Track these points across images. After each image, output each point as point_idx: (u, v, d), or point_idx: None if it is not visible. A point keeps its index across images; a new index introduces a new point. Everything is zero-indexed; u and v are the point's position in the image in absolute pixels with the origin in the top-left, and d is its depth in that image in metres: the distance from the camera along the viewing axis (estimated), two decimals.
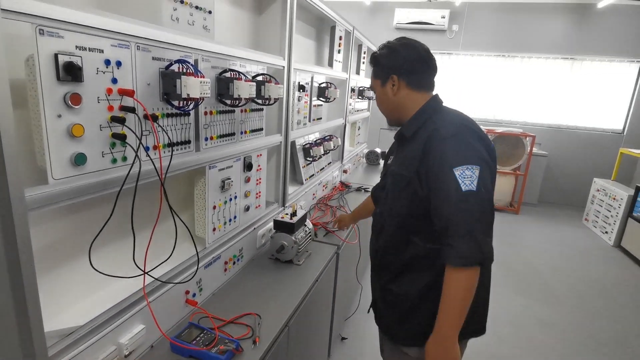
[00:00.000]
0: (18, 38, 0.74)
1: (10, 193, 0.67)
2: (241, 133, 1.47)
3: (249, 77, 1.42)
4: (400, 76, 1.22)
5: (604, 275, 3.76)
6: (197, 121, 1.21)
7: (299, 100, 2.02)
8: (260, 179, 1.67)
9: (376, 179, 1.70)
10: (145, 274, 1.01)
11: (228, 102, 1.30)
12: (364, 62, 3.59)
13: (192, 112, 1.15)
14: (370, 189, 2.01)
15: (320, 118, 2.53)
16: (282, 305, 1.36)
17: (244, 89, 1.26)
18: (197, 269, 1.22)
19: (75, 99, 0.78)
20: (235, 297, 1.39)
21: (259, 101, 1.44)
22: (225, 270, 1.47)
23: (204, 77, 1.04)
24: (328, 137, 2.67)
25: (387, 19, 6.22)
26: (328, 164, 2.85)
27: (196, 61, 1.15)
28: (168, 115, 1.06)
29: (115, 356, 0.96)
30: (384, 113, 1.34)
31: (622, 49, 5.57)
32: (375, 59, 1.28)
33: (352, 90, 3.19)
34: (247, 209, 1.59)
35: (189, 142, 1.16)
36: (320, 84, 2.35)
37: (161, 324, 1.08)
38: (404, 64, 1.21)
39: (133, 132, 0.92)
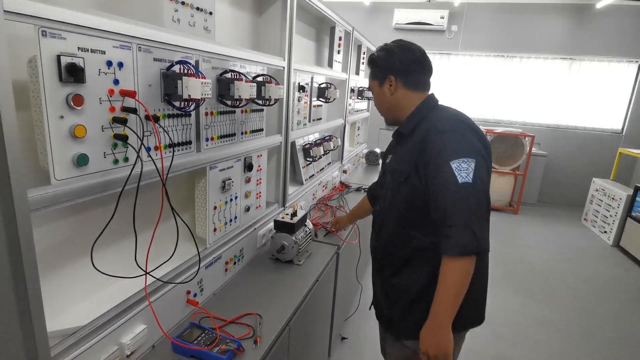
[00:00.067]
0: (20, 39, 0.75)
1: (13, 194, 0.67)
2: (242, 133, 1.48)
3: (249, 77, 1.42)
4: (397, 77, 1.28)
5: (603, 274, 3.77)
6: (197, 122, 1.21)
7: (299, 101, 2.03)
8: (260, 179, 1.67)
9: (376, 179, 1.71)
10: (147, 274, 1.01)
11: (229, 102, 1.30)
12: (363, 63, 3.59)
13: (193, 113, 1.15)
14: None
15: (320, 118, 2.54)
16: (282, 305, 1.36)
17: (245, 90, 1.26)
18: (199, 269, 1.22)
19: (78, 100, 0.78)
20: (235, 297, 1.39)
21: (260, 102, 1.45)
22: (226, 270, 1.47)
23: (205, 78, 1.05)
24: (328, 137, 2.67)
25: (387, 20, 6.23)
26: (328, 164, 2.86)
27: (197, 62, 1.15)
28: (169, 116, 1.07)
29: (117, 356, 0.96)
30: (382, 113, 1.39)
31: (620, 49, 5.59)
32: (373, 61, 1.33)
33: (352, 90, 3.20)
34: (247, 209, 1.59)
35: (190, 142, 1.17)
36: (320, 85, 2.35)
37: (162, 324, 1.08)
38: (400, 65, 1.27)
39: (135, 133, 0.93)
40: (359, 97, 3.45)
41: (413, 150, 1.20)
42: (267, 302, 1.37)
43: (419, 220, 1.22)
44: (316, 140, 2.52)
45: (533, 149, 5.48)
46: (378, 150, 4.07)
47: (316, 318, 1.75)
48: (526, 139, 5.33)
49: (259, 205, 1.71)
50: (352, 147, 3.81)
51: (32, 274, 0.72)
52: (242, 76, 1.33)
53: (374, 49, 3.61)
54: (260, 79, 1.46)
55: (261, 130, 1.63)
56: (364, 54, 3.56)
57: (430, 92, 1.33)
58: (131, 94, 0.90)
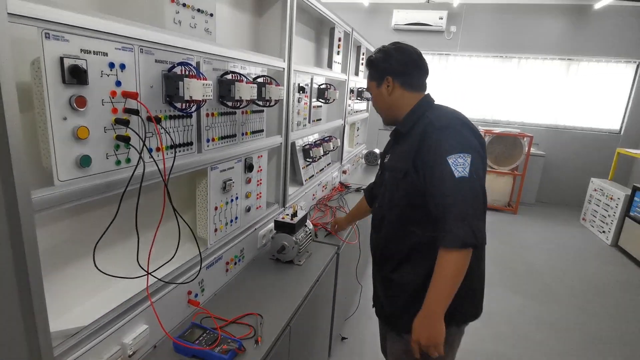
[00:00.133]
0: (23, 41, 0.75)
1: (17, 195, 0.68)
2: (242, 134, 1.48)
3: (249, 79, 1.43)
4: (394, 78, 1.32)
5: (602, 274, 3.79)
6: (199, 123, 1.22)
7: (298, 102, 2.03)
8: (260, 180, 1.68)
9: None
10: (149, 275, 1.02)
11: (229, 103, 1.31)
12: (362, 64, 3.60)
13: (194, 114, 1.16)
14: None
15: (320, 119, 2.54)
16: (283, 305, 1.37)
17: (246, 91, 1.27)
18: (200, 269, 1.23)
19: (81, 101, 0.79)
20: (236, 298, 1.40)
21: (260, 103, 1.46)
22: (227, 270, 1.48)
23: (206, 79, 1.05)
24: (327, 138, 2.68)
25: (385, 20, 6.24)
26: (327, 164, 2.86)
27: (198, 63, 1.16)
28: (170, 117, 1.07)
29: (119, 356, 0.96)
30: (380, 112, 1.43)
31: (618, 49, 5.61)
32: (371, 62, 1.38)
33: (351, 91, 3.21)
34: (248, 209, 1.60)
35: (191, 143, 1.17)
36: (319, 85, 2.36)
37: (164, 324, 1.08)
38: (398, 67, 1.32)
39: (137, 134, 0.93)
40: (358, 98, 3.46)
41: (411, 148, 1.24)
42: (268, 302, 1.37)
43: (418, 216, 1.25)
44: (316, 141, 2.53)
45: (531, 149, 5.49)
46: (377, 151, 4.08)
47: (316, 318, 1.76)
48: (525, 139, 5.34)
49: (260, 206, 1.71)
50: (352, 148, 3.82)
51: (36, 275, 0.73)
52: (243, 77, 1.34)
53: (373, 49, 3.63)
54: (260, 80, 1.47)
55: (261, 131, 1.63)
56: (363, 54, 3.57)
57: (426, 92, 1.37)
58: (133, 96, 0.91)
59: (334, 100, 2.45)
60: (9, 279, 0.71)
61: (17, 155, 0.67)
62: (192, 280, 1.23)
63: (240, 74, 1.34)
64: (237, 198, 1.50)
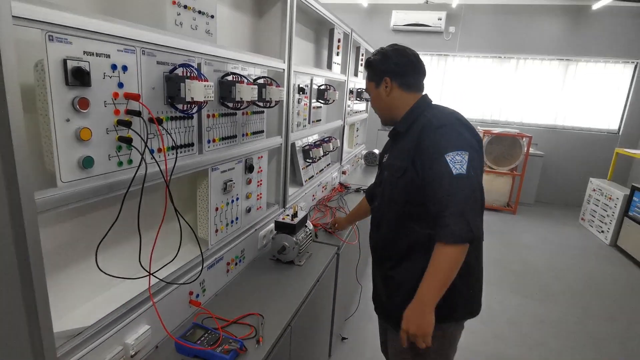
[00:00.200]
0: (26, 44, 0.76)
1: (21, 196, 0.68)
2: (243, 135, 1.49)
3: (250, 80, 1.44)
4: (392, 78, 1.36)
5: (601, 274, 3.80)
6: (200, 124, 1.22)
7: (298, 103, 2.04)
8: (261, 180, 1.69)
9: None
10: (151, 275, 1.02)
11: (230, 105, 1.32)
12: (362, 64, 3.61)
13: (195, 115, 1.16)
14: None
15: (320, 120, 2.55)
16: (284, 306, 1.37)
17: (246, 92, 1.27)
18: (202, 269, 1.23)
19: (83, 103, 0.79)
20: (237, 298, 1.40)
21: (260, 104, 1.46)
22: (228, 271, 1.48)
23: (207, 80, 1.06)
24: (327, 138, 2.68)
25: (384, 21, 6.25)
26: (327, 165, 2.87)
27: (199, 65, 1.16)
28: (172, 119, 1.08)
29: (121, 356, 0.97)
30: (379, 113, 1.46)
31: (617, 50, 5.63)
32: (370, 64, 1.42)
33: (351, 92, 3.22)
34: (248, 210, 1.60)
35: (192, 144, 1.18)
36: (319, 86, 2.37)
37: (166, 325, 1.09)
38: (396, 68, 1.35)
39: (139, 135, 0.94)
40: (358, 99, 3.47)
41: (410, 146, 1.27)
42: (269, 303, 1.38)
43: (416, 213, 1.27)
44: (316, 142, 2.54)
45: (530, 149, 5.51)
46: (377, 152, 4.08)
47: (317, 318, 1.76)
48: (524, 139, 5.36)
49: (260, 207, 1.72)
50: (351, 148, 3.83)
51: (40, 275, 0.73)
52: (244, 79, 1.35)
53: (372, 50, 3.64)
54: (261, 81, 1.48)
55: (262, 132, 1.64)
56: (362, 55, 3.58)
57: (424, 93, 1.41)
58: (135, 97, 0.91)
59: (333, 101, 2.46)
60: (13, 279, 0.71)
61: (20, 156, 0.67)
62: (193, 281, 1.23)
63: (240, 75, 1.35)
64: (237, 199, 1.50)
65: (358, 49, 3.56)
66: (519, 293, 3.31)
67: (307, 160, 2.40)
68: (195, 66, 1.11)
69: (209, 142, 1.28)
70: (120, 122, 0.89)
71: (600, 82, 5.85)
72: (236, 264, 1.54)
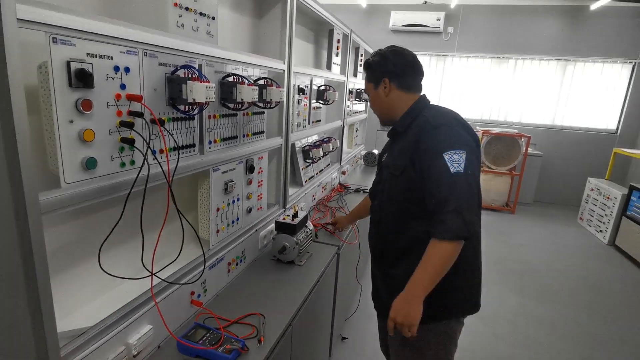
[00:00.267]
0: (30, 46, 0.76)
1: (25, 197, 0.69)
2: (243, 136, 1.49)
3: (250, 81, 1.44)
4: (391, 79, 1.38)
5: (599, 273, 3.82)
6: (201, 125, 1.23)
7: (298, 103, 2.05)
8: (261, 181, 1.69)
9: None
10: (153, 275, 1.03)
11: (231, 105, 1.32)
12: (361, 65, 3.62)
13: (196, 116, 1.17)
14: (368, 190, 2.06)
15: (319, 120, 2.56)
16: (285, 306, 1.38)
17: (247, 93, 1.28)
18: (204, 269, 1.24)
19: (87, 104, 0.80)
20: (238, 298, 1.41)
21: (261, 104, 1.47)
22: (229, 271, 1.49)
23: (209, 82, 1.06)
24: (327, 139, 2.69)
25: (383, 22, 6.27)
26: (327, 165, 2.88)
27: (200, 66, 1.17)
28: (174, 120, 1.08)
29: (124, 356, 0.97)
30: (378, 113, 1.49)
31: (615, 50, 5.65)
32: (369, 65, 1.44)
33: (350, 92, 3.22)
34: (249, 210, 1.61)
35: (193, 145, 1.19)
36: (319, 87, 2.38)
37: (167, 325, 1.09)
38: (394, 69, 1.38)
39: (141, 136, 0.94)
40: (357, 99, 3.48)
41: (408, 145, 1.29)
42: (270, 303, 1.39)
43: (415, 211, 1.29)
44: (315, 142, 2.54)
45: (529, 149, 5.53)
46: (376, 152, 4.09)
47: (317, 318, 1.77)
48: (522, 139, 5.37)
49: (260, 207, 1.72)
50: (350, 149, 3.84)
51: (44, 276, 0.74)
52: (244, 79, 1.35)
53: (371, 51, 3.65)
54: (261, 82, 1.48)
55: (262, 132, 1.64)
56: (361, 56, 3.59)
57: (422, 93, 1.43)
58: (137, 98, 0.92)
59: (333, 101, 2.47)
60: (17, 279, 0.72)
61: (25, 158, 0.68)
62: (195, 281, 1.24)
63: (241, 76, 1.35)
64: (238, 199, 1.51)
65: (357, 49, 3.57)
66: (517, 292, 3.32)
67: (307, 160, 2.41)
68: (197, 67, 1.12)
69: (210, 142, 1.28)
70: (122, 124, 0.89)
71: (598, 82, 5.87)
72: (237, 264, 1.54)
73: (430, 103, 1.42)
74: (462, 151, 1.18)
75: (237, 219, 1.53)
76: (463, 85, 6.31)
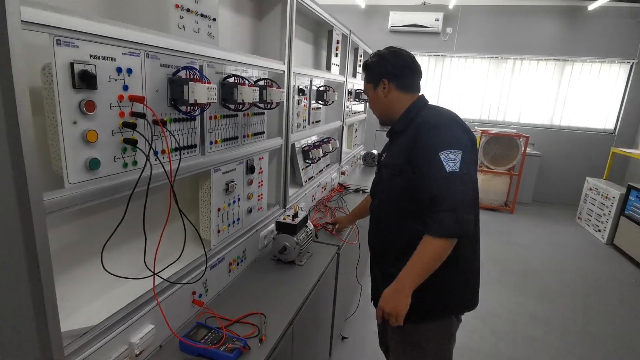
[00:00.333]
0: (33, 47, 0.77)
1: (30, 198, 0.69)
2: (244, 136, 1.50)
3: (251, 81, 1.45)
4: (390, 80, 1.40)
5: (598, 272, 3.83)
6: (202, 126, 1.23)
7: (298, 104, 2.06)
8: (262, 181, 1.70)
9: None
10: (155, 275, 1.04)
11: (232, 106, 1.33)
12: (360, 66, 3.63)
13: (197, 117, 1.18)
14: (368, 190, 2.07)
15: (319, 121, 2.57)
16: (286, 305, 1.39)
17: (248, 94, 1.29)
18: (206, 269, 1.25)
19: (90, 105, 0.81)
20: (239, 298, 1.41)
21: (261, 105, 1.48)
22: (230, 271, 1.49)
23: (210, 83, 1.07)
24: (326, 139, 2.70)
25: (382, 22, 6.28)
26: (326, 166, 2.89)
27: (201, 67, 1.18)
28: (175, 120, 1.09)
29: (126, 355, 0.98)
30: (377, 113, 1.51)
31: (612, 50, 5.68)
32: (368, 66, 1.46)
33: (349, 92, 3.23)
34: (249, 211, 1.62)
35: (195, 146, 1.19)
36: (318, 87, 2.38)
37: (170, 324, 1.10)
38: (393, 70, 1.40)
39: (144, 137, 0.95)
40: (356, 100, 3.49)
41: (406, 145, 1.31)
42: (271, 302, 1.39)
43: (413, 210, 1.31)
44: (315, 143, 2.55)
45: (527, 149, 5.54)
46: (375, 152, 4.10)
47: (318, 317, 1.78)
48: (521, 139, 5.39)
49: (261, 207, 1.73)
50: (350, 149, 3.85)
51: (48, 275, 0.74)
52: (245, 80, 1.36)
53: (370, 51, 3.66)
54: (262, 82, 1.49)
55: (262, 133, 1.65)
56: (360, 56, 3.60)
57: (421, 94, 1.45)
58: (140, 100, 0.93)
59: (332, 102, 2.48)
60: (22, 279, 0.72)
61: (30, 158, 0.68)
62: (197, 281, 1.24)
63: (242, 77, 1.36)
64: (239, 199, 1.52)
65: (356, 50, 3.58)
66: (516, 291, 3.34)
67: (307, 161, 2.41)
68: (198, 69, 1.13)
69: (211, 143, 1.29)
70: (125, 124, 0.90)
71: (596, 82, 5.90)
72: (238, 264, 1.55)
73: (429, 103, 1.44)
74: (457, 151, 1.20)
75: (238, 219, 1.53)
76: (462, 85, 6.33)
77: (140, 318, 1.02)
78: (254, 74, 1.54)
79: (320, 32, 2.77)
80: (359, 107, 3.93)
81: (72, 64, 0.76)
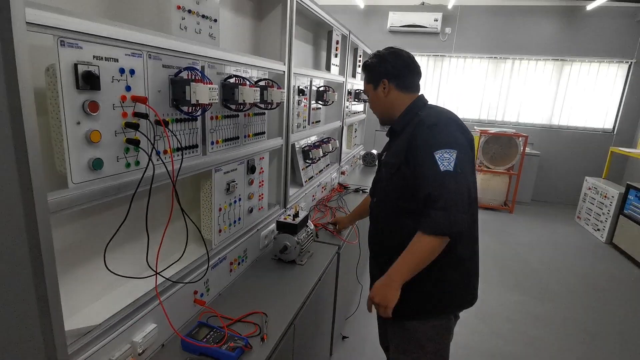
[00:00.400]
0: (37, 49, 0.77)
1: (34, 198, 0.70)
2: (245, 137, 1.51)
3: (252, 82, 1.46)
4: (390, 80, 1.42)
5: (597, 271, 3.85)
6: (203, 126, 1.24)
7: (298, 104, 2.06)
8: (262, 181, 1.71)
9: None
10: (157, 274, 1.04)
11: (233, 107, 1.33)
12: (359, 66, 3.64)
13: (199, 117, 1.18)
14: (368, 190, 2.08)
15: (319, 121, 2.57)
16: (287, 304, 1.39)
17: (249, 94, 1.30)
18: (207, 268, 1.25)
19: (93, 106, 0.81)
20: (240, 297, 1.42)
21: (262, 105, 1.49)
22: (231, 270, 1.50)
23: (211, 83, 1.08)
24: (326, 139, 2.71)
25: (381, 23, 6.30)
26: (326, 166, 2.89)
27: (203, 68, 1.18)
28: (177, 121, 1.10)
29: (129, 354, 0.99)
30: (377, 113, 1.53)
31: (611, 50, 5.70)
32: (368, 66, 1.48)
33: (349, 93, 3.24)
34: (250, 210, 1.62)
35: (196, 146, 1.20)
36: (318, 88, 2.39)
37: (172, 323, 1.11)
38: (392, 70, 1.41)
39: (146, 137, 0.96)
40: (356, 100, 3.50)
41: (403, 144, 1.33)
42: (272, 301, 1.40)
43: (410, 208, 1.32)
44: (315, 143, 2.56)
45: (527, 148, 5.56)
46: (375, 152, 4.11)
47: (318, 317, 1.78)
48: (520, 139, 5.41)
49: (262, 207, 1.74)
50: (350, 149, 3.86)
51: (52, 275, 0.75)
52: (246, 81, 1.37)
53: (369, 52, 3.67)
54: (262, 83, 1.50)
55: (263, 133, 1.66)
56: (360, 57, 3.61)
57: (420, 93, 1.46)
58: (142, 100, 0.93)
59: (332, 102, 2.49)
60: (26, 279, 0.73)
61: (34, 159, 0.69)
62: (198, 280, 1.25)
63: (242, 78, 1.37)
64: (240, 199, 1.52)
65: (356, 50, 3.59)
66: (516, 291, 3.35)
67: (307, 161, 2.42)
68: (199, 69, 1.13)
69: (212, 143, 1.30)
70: (128, 125, 0.91)
71: (594, 81, 5.92)
72: (239, 263, 1.56)
73: (428, 103, 1.45)
74: (452, 150, 1.21)
75: (239, 218, 1.54)
76: (461, 85, 6.34)
77: (142, 317, 1.03)
78: (254, 74, 1.55)
79: (320, 32, 2.78)
80: (359, 107, 3.94)
81: (75, 65, 0.77)
